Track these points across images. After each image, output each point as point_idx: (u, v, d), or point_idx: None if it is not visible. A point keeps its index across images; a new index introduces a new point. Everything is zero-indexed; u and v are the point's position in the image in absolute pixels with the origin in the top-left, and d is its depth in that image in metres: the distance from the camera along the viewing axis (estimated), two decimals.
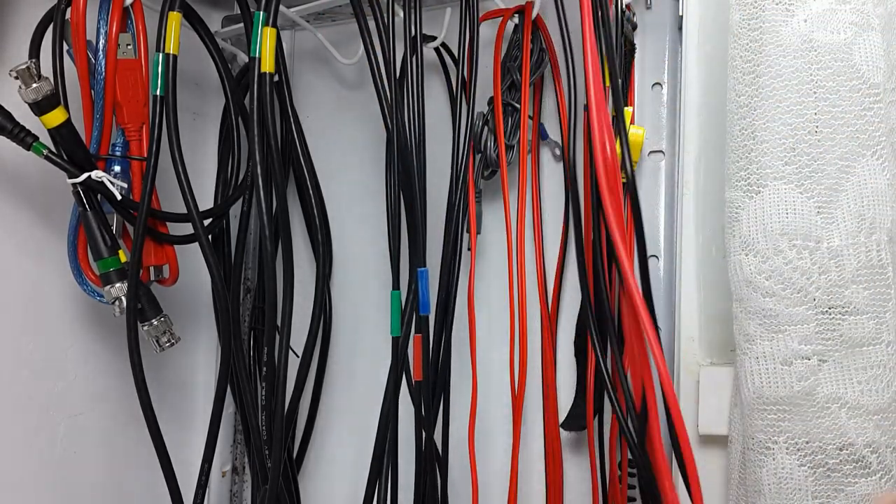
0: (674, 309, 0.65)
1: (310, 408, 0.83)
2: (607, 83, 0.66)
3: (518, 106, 0.69)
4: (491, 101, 0.70)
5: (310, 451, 0.84)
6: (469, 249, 0.69)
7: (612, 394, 0.58)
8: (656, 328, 0.51)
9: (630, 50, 0.69)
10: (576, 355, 0.71)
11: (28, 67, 0.56)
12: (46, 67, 0.58)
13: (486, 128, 0.70)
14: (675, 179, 0.68)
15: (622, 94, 0.67)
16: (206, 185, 0.80)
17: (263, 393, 0.69)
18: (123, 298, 0.61)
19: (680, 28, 0.67)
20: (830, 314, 0.52)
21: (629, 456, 0.70)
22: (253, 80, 0.58)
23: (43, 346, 0.68)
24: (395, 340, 0.63)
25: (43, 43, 0.59)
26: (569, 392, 0.71)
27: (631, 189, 0.56)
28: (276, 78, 0.60)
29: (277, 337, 0.61)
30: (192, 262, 0.70)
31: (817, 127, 0.52)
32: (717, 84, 0.63)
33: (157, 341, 0.64)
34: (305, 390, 0.76)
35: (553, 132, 0.75)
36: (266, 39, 0.59)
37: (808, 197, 0.52)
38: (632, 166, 0.56)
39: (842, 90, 0.52)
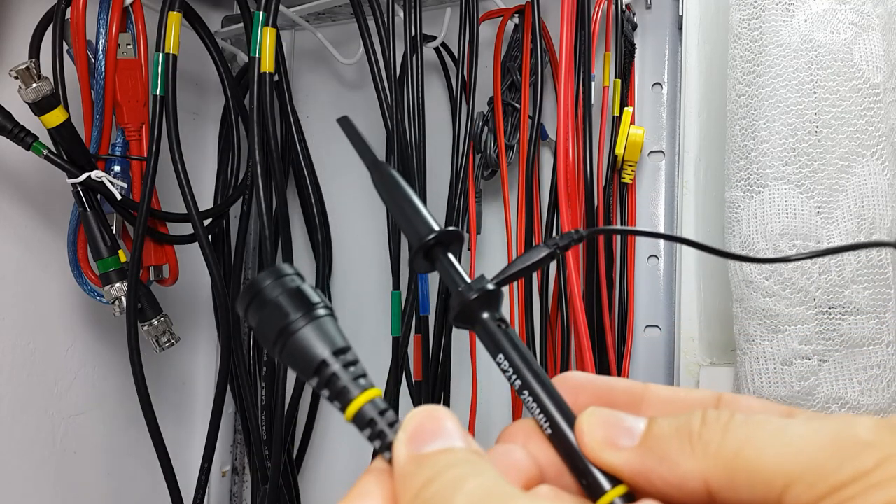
0: (674, 309, 0.65)
1: (310, 408, 0.83)
2: (606, 83, 0.67)
3: (518, 106, 0.69)
4: (491, 101, 0.70)
5: (310, 451, 0.84)
6: (469, 249, 0.69)
7: None
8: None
9: (630, 50, 0.69)
10: None
11: (28, 67, 0.56)
12: (46, 67, 0.58)
13: (486, 128, 0.70)
14: (675, 179, 0.68)
15: (622, 94, 0.67)
16: (206, 185, 0.80)
17: (263, 393, 0.69)
18: (123, 298, 0.61)
19: (680, 28, 0.67)
20: (830, 314, 0.52)
21: None
22: (253, 80, 0.58)
23: (43, 346, 0.68)
24: (395, 340, 0.63)
25: (43, 43, 0.59)
26: None
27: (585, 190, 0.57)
28: (276, 78, 0.60)
29: None
30: (192, 262, 0.70)
31: (817, 127, 0.52)
32: (717, 84, 0.63)
33: (157, 341, 0.64)
34: (305, 390, 0.76)
35: (553, 132, 0.75)
36: (266, 39, 0.59)
37: (808, 197, 0.52)
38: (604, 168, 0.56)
39: (842, 90, 0.52)
